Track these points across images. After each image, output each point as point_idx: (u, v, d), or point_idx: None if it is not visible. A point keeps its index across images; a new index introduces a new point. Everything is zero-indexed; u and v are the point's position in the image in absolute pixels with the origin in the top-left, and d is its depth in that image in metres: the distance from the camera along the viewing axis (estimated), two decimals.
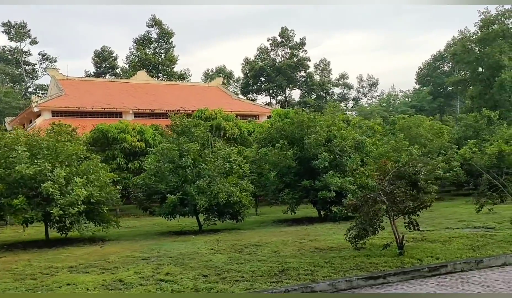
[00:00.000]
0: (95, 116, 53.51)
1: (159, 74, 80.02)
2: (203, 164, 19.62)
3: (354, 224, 12.84)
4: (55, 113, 52.36)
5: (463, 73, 62.38)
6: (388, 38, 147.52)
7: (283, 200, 22.10)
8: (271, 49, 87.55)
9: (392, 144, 27.04)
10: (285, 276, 10.20)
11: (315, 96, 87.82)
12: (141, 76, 65.37)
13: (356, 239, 12.82)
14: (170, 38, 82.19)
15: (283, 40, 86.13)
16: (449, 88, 76.25)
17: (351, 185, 21.78)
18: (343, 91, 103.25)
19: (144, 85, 63.33)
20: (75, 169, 17.85)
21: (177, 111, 39.45)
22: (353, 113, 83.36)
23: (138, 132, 29.48)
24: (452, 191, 37.68)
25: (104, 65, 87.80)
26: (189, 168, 19.56)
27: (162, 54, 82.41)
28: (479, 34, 54.96)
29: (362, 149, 23.07)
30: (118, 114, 55.03)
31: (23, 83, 75.35)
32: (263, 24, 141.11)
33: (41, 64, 79.69)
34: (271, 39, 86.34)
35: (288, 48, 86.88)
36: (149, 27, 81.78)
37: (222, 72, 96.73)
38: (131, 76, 67.89)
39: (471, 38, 55.49)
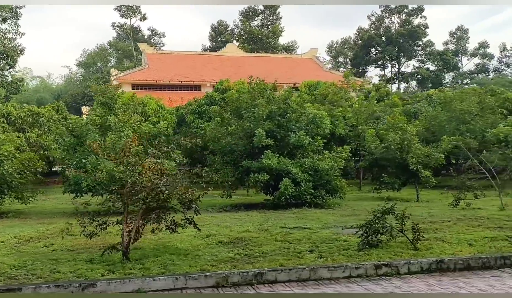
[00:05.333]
0: (173, 89, 53.98)
1: (264, 46, 78.42)
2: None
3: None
4: (135, 86, 53.71)
5: None
6: None
7: (215, 183, 19.45)
8: (385, 17, 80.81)
9: (388, 121, 22.53)
10: None
11: (432, 68, 79.61)
12: (231, 48, 64.62)
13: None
14: (276, 10, 79.96)
15: (397, 6, 78.91)
16: None
17: (294, 167, 18.49)
18: (483, 61, 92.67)
19: (232, 58, 62.40)
20: None
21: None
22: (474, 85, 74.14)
23: (139, 104, 28.31)
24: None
25: (219, 39, 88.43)
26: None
27: (270, 26, 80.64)
28: None
29: (317, 126, 19.42)
30: (197, 87, 55.03)
31: (133, 58, 79.00)
32: None
33: (150, 39, 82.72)
34: (382, 6, 79.69)
35: (404, 15, 79.49)
36: None
37: (347, 44, 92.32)
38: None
39: None
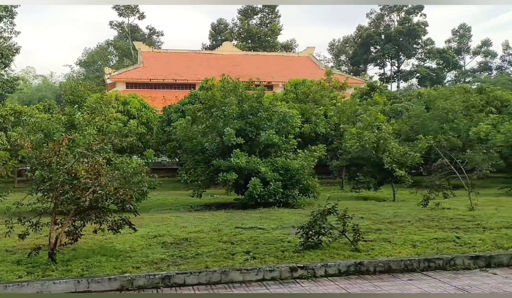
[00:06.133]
0: (168, 87, 53.89)
1: (263, 45, 78.11)
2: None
3: None
4: (129, 85, 53.67)
5: None
6: None
7: (184, 182, 19.32)
8: (385, 15, 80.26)
9: (365, 119, 22.22)
10: None
11: (433, 66, 78.98)
12: (227, 47, 64.39)
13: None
14: (275, 8, 79.65)
15: (397, 4, 78.36)
16: None
17: (264, 167, 18.26)
18: (485, 59, 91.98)
19: (228, 56, 62.18)
20: None
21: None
22: (475, 84, 73.53)
23: (122, 103, 28.10)
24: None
25: (219, 38, 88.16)
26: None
27: (269, 25, 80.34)
28: None
29: (290, 124, 19.20)
30: (191, 86, 54.77)
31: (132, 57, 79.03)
32: None
33: (150, 38, 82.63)
34: (380, 5, 79.16)
35: (403, 13, 78.88)
36: None
37: (348, 43, 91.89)
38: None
39: None
